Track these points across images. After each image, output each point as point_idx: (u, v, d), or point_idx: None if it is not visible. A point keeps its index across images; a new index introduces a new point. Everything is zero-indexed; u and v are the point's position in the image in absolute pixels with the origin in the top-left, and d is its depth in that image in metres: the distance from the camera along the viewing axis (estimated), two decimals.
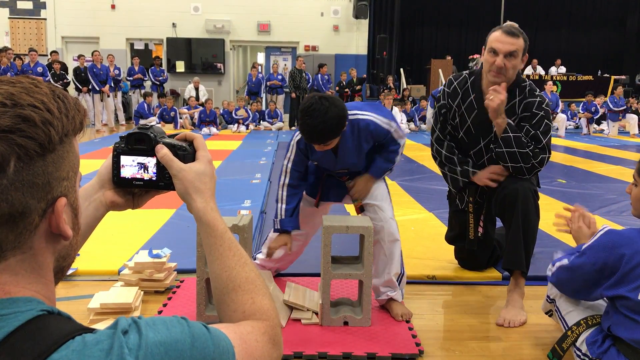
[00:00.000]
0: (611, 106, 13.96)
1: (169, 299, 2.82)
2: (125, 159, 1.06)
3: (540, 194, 5.50)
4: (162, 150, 1.03)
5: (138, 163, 1.06)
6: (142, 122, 13.49)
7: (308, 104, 2.44)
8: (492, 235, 3.24)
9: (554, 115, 13.36)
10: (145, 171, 1.06)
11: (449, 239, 3.34)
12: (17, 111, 0.70)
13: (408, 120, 13.84)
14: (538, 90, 2.91)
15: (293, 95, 14.56)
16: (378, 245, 2.65)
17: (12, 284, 0.72)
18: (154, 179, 1.06)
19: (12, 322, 0.68)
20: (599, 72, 17.52)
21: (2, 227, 0.70)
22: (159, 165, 1.05)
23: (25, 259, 0.74)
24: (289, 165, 2.77)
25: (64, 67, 13.47)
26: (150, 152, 1.05)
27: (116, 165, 1.07)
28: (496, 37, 2.74)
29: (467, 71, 3.14)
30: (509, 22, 2.86)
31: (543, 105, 2.81)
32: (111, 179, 1.08)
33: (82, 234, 0.90)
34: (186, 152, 1.04)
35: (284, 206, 2.76)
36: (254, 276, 1.00)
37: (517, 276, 2.77)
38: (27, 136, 0.70)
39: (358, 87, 15.45)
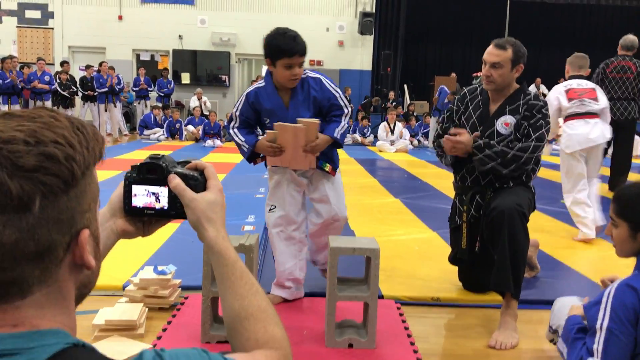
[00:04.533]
0: None
1: (174, 316, 2.82)
2: (137, 189, 1.08)
3: (544, 215, 5.55)
4: (175, 180, 1.05)
5: (150, 192, 1.07)
6: (147, 133, 13.54)
7: (279, 29, 2.81)
8: (493, 257, 3.24)
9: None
10: (157, 200, 1.07)
11: (451, 259, 3.35)
12: (40, 149, 0.71)
13: (412, 136, 13.87)
14: (543, 98, 3.13)
15: None
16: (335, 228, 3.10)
17: (39, 317, 0.74)
18: (166, 208, 1.07)
19: (40, 355, 0.69)
20: None
21: (29, 264, 0.71)
22: (170, 194, 1.06)
23: (51, 291, 0.75)
24: (237, 113, 3.02)
25: (71, 78, 13.54)
26: (162, 182, 1.06)
27: (128, 195, 1.08)
28: (487, 50, 3.05)
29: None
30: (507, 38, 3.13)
31: (543, 110, 3.03)
32: (122, 208, 1.09)
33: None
34: (197, 182, 1.06)
35: (242, 138, 3.01)
36: (265, 305, 1.02)
37: (508, 298, 2.79)
38: (51, 174, 0.71)
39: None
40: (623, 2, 18.60)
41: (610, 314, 1.88)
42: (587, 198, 4.64)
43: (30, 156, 0.70)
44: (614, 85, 6.79)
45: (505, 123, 3.03)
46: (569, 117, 4.77)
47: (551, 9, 19.24)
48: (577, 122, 4.69)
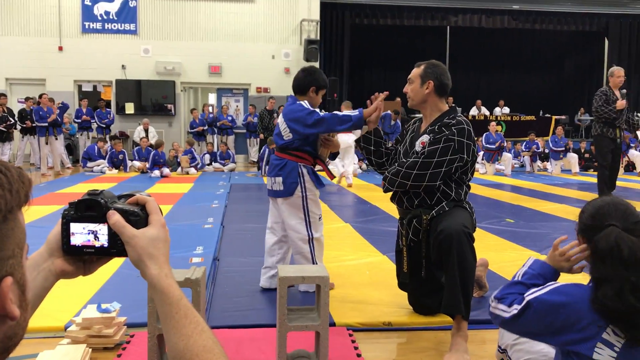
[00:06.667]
0: (551, 145, 14.51)
1: (119, 355, 2.71)
2: (75, 227, 1.03)
3: (489, 234, 5.66)
4: (114, 217, 1.01)
5: (89, 230, 1.03)
6: (91, 165, 13.19)
7: (315, 69, 3.86)
8: (440, 280, 3.27)
9: (499, 155, 13.78)
10: (97, 238, 1.03)
11: (399, 284, 3.37)
12: None
13: (360, 160, 13.99)
14: (464, 127, 3.00)
15: (261, 136, 14.53)
16: None
17: None
18: (106, 245, 1.03)
19: None
20: (541, 113, 18.24)
21: None
22: (110, 232, 1.02)
23: None
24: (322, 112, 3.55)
25: (9, 110, 13.08)
26: (102, 219, 1.02)
27: (66, 233, 1.03)
28: None
29: None
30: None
31: (453, 128, 2.98)
32: (61, 247, 1.04)
33: (30, 307, 0.86)
34: (138, 218, 1.02)
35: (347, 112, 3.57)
36: (211, 344, 0.99)
37: (459, 320, 2.81)
38: None
39: None
40: (555, 26, 19.50)
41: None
42: None
43: None
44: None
45: (421, 142, 3.10)
46: None
47: (489, 33, 19.97)
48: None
